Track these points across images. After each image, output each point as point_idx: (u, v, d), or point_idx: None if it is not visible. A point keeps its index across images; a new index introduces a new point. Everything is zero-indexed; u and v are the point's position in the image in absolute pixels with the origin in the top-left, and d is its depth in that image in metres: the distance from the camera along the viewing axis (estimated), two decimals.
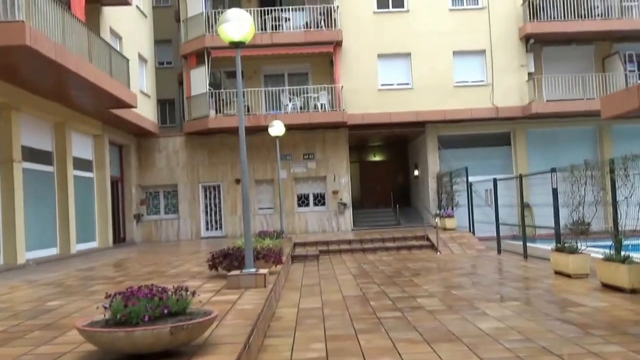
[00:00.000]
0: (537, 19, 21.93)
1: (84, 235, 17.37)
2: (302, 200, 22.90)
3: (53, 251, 15.57)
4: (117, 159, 21.42)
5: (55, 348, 4.84)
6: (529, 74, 22.40)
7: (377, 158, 28.41)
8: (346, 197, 22.67)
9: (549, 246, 11.53)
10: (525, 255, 13.52)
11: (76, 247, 16.32)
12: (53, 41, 11.58)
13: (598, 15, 22.11)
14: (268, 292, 7.33)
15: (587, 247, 10.14)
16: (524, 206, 14.39)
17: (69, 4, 13.91)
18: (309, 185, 22.93)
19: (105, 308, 4.24)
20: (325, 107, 21.74)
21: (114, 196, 20.27)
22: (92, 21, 16.27)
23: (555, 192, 11.65)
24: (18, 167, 13.37)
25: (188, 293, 4.51)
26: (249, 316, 5.80)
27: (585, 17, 21.92)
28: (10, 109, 13.22)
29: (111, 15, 18.23)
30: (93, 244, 18.28)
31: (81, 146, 17.82)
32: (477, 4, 22.75)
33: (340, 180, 22.67)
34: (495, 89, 22.33)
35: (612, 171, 9.33)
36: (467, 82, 22.50)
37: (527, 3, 22.05)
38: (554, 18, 21.98)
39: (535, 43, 22.36)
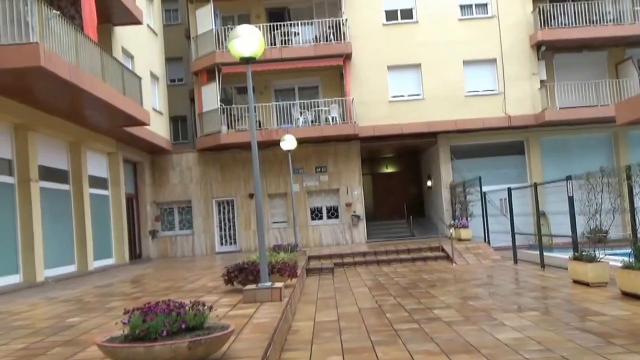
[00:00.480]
0: (548, 26, 21.83)
1: (100, 252, 17.52)
2: (316, 213, 22.90)
3: (71, 268, 15.71)
4: (132, 176, 21.61)
5: None
6: (541, 81, 22.26)
7: (390, 170, 28.36)
8: (359, 209, 22.64)
9: (566, 255, 11.40)
10: (542, 264, 13.37)
11: (93, 264, 16.46)
12: (67, 62, 11.77)
13: (610, 20, 21.95)
14: (284, 305, 7.33)
15: (606, 255, 10.02)
16: (539, 215, 14.27)
17: (81, 25, 14.13)
18: (322, 198, 22.93)
19: (124, 324, 4.27)
20: (336, 120, 21.80)
21: (129, 213, 20.43)
22: (105, 41, 16.52)
23: (571, 200, 11.54)
24: (35, 186, 13.55)
25: (205, 308, 4.53)
26: (266, 330, 5.81)
27: (597, 22, 21.81)
28: (26, 129, 13.43)
29: (123, 34, 18.50)
30: (110, 261, 18.41)
31: (96, 164, 18.01)
32: (487, 13, 22.74)
33: (353, 192, 22.64)
34: (507, 97, 22.24)
35: (629, 178, 9.24)
36: (478, 91, 22.46)
37: (537, 10, 22.00)
38: (565, 25, 21.88)
39: (546, 50, 22.26)
